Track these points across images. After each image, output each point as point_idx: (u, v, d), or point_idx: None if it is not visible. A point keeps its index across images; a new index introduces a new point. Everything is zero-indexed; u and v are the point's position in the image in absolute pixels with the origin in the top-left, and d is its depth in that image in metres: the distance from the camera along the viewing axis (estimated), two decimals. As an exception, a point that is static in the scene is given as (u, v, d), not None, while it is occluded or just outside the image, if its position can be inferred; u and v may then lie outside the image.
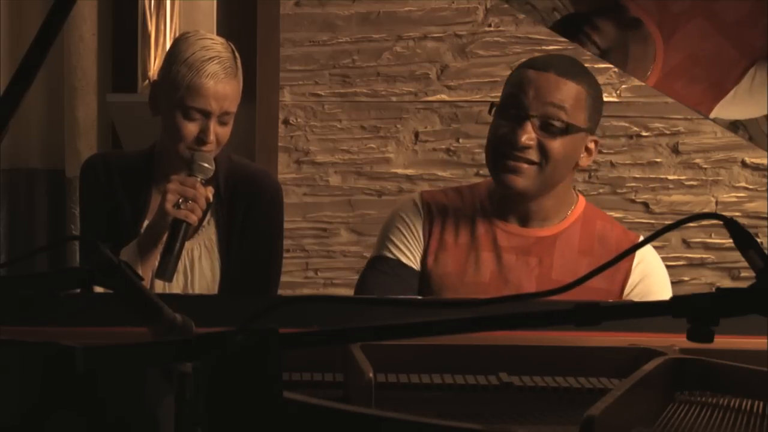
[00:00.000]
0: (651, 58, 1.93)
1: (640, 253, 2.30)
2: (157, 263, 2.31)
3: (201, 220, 2.48)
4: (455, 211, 2.36)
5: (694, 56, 1.94)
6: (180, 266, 2.45)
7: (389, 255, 2.34)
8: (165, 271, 2.27)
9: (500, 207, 2.34)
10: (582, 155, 2.30)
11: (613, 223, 2.41)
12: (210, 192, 2.38)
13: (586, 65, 2.41)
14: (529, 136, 2.23)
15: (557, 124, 2.23)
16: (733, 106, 1.95)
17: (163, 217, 2.33)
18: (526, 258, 2.30)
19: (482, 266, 2.30)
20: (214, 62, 2.40)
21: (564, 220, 2.34)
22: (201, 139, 2.39)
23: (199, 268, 2.48)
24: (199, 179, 2.36)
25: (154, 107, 2.48)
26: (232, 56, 2.44)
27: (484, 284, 2.28)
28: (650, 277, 2.31)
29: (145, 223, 2.46)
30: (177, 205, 2.32)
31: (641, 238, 2.31)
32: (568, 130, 2.23)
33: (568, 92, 2.24)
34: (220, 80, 2.38)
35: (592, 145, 2.31)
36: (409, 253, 2.34)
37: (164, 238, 2.33)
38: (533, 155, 2.24)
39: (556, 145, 2.23)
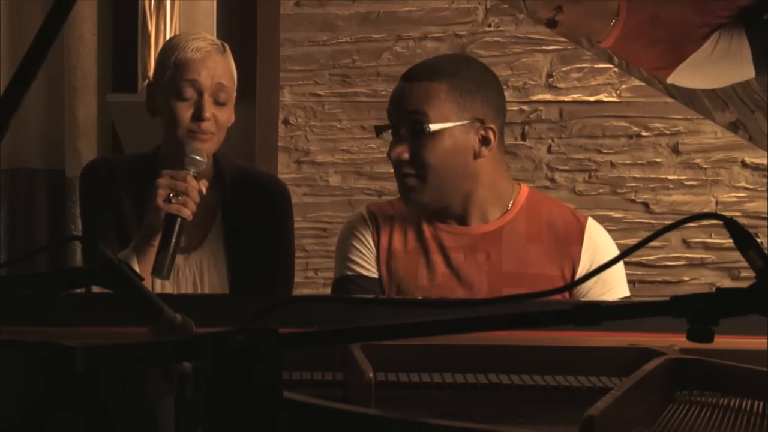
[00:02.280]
0: (613, 15, 1.93)
1: (587, 236, 2.30)
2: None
3: (207, 230, 2.45)
4: (401, 218, 2.35)
5: (656, 17, 1.94)
6: (189, 276, 2.43)
7: (349, 273, 2.34)
8: (161, 268, 2.23)
9: (433, 212, 2.33)
10: (476, 146, 2.26)
11: (559, 206, 2.40)
12: (204, 185, 2.33)
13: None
14: (398, 150, 2.24)
15: (419, 128, 2.22)
16: (691, 74, 1.95)
17: (156, 213, 2.28)
18: (473, 255, 2.30)
19: (433, 269, 2.30)
20: (199, 40, 2.40)
21: (507, 212, 2.32)
22: (197, 116, 2.34)
23: (209, 278, 2.44)
24: (191, 172, 2.31)
25: (151, 108, 2.45)
26: (219, 42, 2.44)
27: (438, 286, 2.29)
28: (600, 260, 2.27)
29: None
30: (168, 200, 2.27)
31: (590, 219, 2.35)
32: (432, 131, 2.22)
33: (421, 94, 2.22)
34: (206, 53, 2.37)
35: (489, 134, 2.26)
36: (368, 264, 2.34)
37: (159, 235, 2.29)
38: (410, 168, 2.25)
39: (428, 149, 2.22)
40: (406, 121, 2.24)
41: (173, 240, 2.26)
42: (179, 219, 2.27)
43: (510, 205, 2.33)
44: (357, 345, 1.52)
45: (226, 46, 2.45)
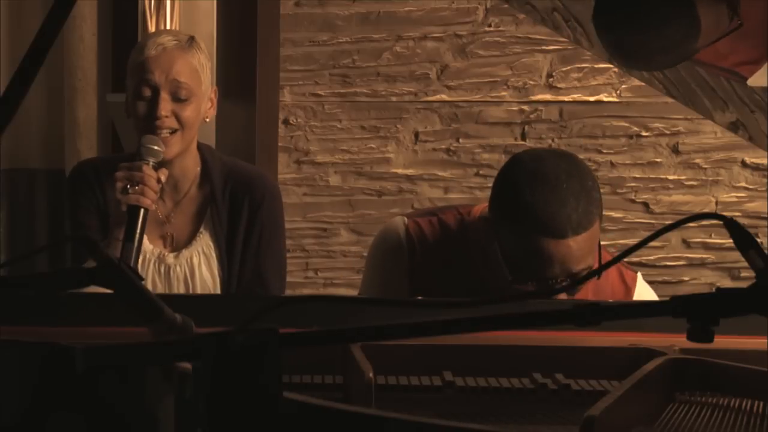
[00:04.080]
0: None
1: (638, 296, 2.18)
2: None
3: (197, 227, 2.46)
4: (441, 248, 2.16)
5: (746, 12, 1.88)
6: (180, 275, 2.43)
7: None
8: (127, 260, 2.19)
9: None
10: None
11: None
12: (163, 174, 2.32)
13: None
14: (564, 296, 1.98)
15: (585, 278, 1.96)
16: None
17: (118, 207, 2.28)
18: None
19: None
20: (160, 36, 2.39)
21: None
22: (150, 113, 2.34)
23: (200, 275, 2.44)
24: (150, 163, 2.30)
25: (126, 109, 2.45)
26: (188, 38, 2.41)
27: None
28: None
29: None
30: (125, 191, 2.26)
31: (638, 281, 2.22)
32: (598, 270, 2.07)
33: (590, 247, 2.00)
34: (161, 50, 2.36)
35: None
36: (392, 294, 2.17)
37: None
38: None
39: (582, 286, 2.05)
40: (573, 274, 1.98)
41: (137, 231, 2.23)
42: (142, 210, 2.25)
43: None
44: (357, 345, 1.52)
45: (195, 42, 2.42)
